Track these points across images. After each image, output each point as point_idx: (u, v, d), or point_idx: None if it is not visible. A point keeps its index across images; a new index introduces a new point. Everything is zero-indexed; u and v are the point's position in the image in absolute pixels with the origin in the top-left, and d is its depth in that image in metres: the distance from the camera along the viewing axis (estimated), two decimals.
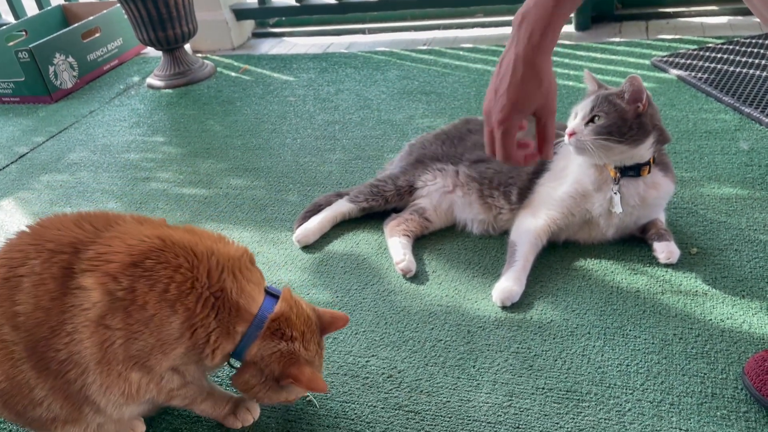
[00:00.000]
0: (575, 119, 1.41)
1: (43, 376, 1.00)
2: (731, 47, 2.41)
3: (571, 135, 1.38)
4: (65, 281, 0.99)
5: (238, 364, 1.12)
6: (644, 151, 1.39)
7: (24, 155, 2.45)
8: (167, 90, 2.89)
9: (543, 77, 0.98)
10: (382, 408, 1.21)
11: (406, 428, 1.16)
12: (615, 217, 1.45)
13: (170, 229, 1.09)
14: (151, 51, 3.39)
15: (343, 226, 1.74)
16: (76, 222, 1.07)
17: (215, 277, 1.03)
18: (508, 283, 1.41)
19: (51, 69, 2.89)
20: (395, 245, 1.58)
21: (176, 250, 1.02)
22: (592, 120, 1.37)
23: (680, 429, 1.09)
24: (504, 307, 1.40)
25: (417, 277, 1.54)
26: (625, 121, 1.35)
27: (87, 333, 0.98)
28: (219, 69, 3.04)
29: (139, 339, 0.99)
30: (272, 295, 1.11)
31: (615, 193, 1.42)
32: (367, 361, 1.32)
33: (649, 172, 1.42)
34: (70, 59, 2.99)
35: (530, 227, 1.49)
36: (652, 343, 1.27)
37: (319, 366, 1.13)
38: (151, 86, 2.94)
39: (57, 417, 1.05)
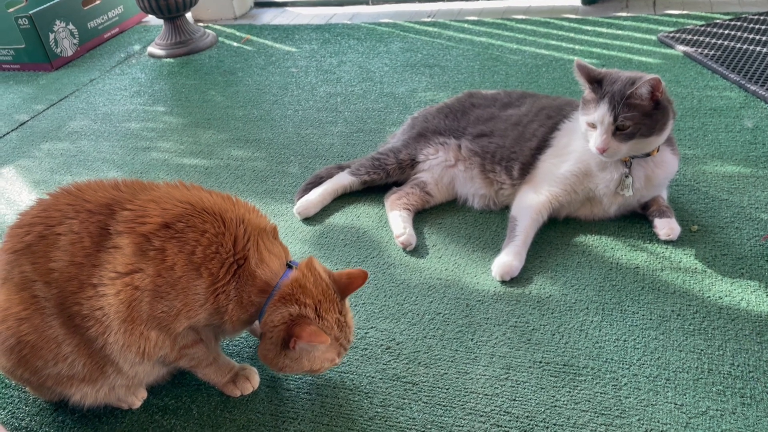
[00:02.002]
0: (596, 130, 1.36)
1: (71, 333, 1.03)
2: (739, 23, 2.38)
3: (603, 150, 1.35)
4: (101, 240, 1.02)
5: None
6: (667, 132, 1.39)
7: (24, 123, 2.44)
8: (168, 59, 2.86)
9: None
10: (381, 379, 1.22)
11: (404, 399, 1.18)
12: (619, 197, 1.45)
13: (204, 193, 1.10)
14: (152, 19, 3.35)
15: (343, 198, 1.74)
16: (114, 185, 1.10)
17: (241, 245, 1.05)
18: (508, 258, 1.41)
19: (51, 36, 2.86)
20: (396, 219, 1.58)
21: (204, 215, 1.05)
22: (618, 128, 1.34)
23: (675, 404, 1.11)
24: (503, 282, 1.41)
25: (417, 250, 1.54)
26: (649, 115, 1.34)
27: (113, 289, 1.00)
28: (221, 39, 3.01)
29: (165, 299, 1.02)
30: (293, 268, 1.13)
31: (627, 176, 1.42)
32: (366, 333, 1.32)
33: (658, 150, 1.42)
34: (71, 27, 2.95)
35: (531, 203, 1.49)
36: (650, 319, 1.27)
37: (344, 333, 1.12)
38: (152, 55, 2.92)
39: (75, 375, 1.08)
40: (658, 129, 1.36)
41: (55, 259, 1.02)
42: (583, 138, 1.42)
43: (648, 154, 1.42)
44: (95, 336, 1.03)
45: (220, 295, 1.04)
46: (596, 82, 1.39)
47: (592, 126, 1.38)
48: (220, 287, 1.04)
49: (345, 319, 1.12)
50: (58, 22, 2.88)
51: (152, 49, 2.94)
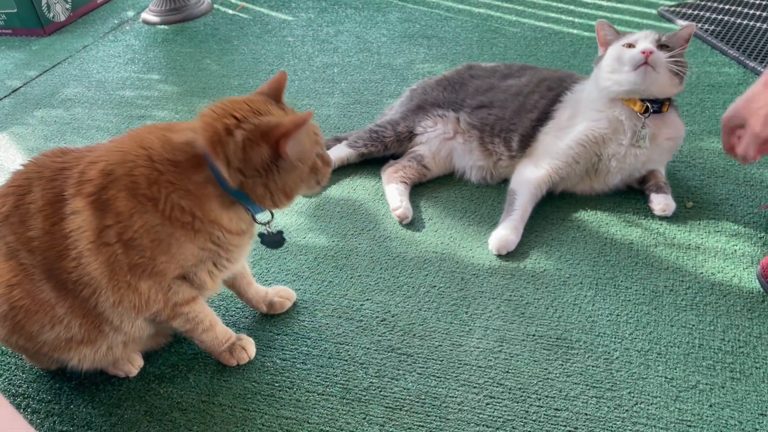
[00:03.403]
0: (639, 44, 1.41)
1: (62, 295, 1.04)
2: None
3: (649, 53, 1.38)
4: (60, 207, 1.01)
5: (266, 216, 1.11)
6: (683, 86, 1.46)
7: (17, 89, 2.41)
8: (163, 26, 2.82)
9: None
10: (376, 350, 1.24)
11: (399, 370, 1.19)
12: (629, 157, 1.46)
13: (132, 131, 1.07)
14: None
15: (340, 171, 1.73)
16: (71, 150, 1.09)
17: (157, 156, 1.00)
18: (506, 232, 1.42)
19: (44, 1, 2.81)
20: (392, 192, 1.58)
21: (125, 145, 1.02)
22: (662, 47, 1.41)
23: (666, 377, 1.12)
24: (499, 256, 1.41)
25: (413, 223, 1.54)
26: (683, 57, 1.42)
27: (92, 256, 1.00)
28: (215, 6, 2.97)
29: (133, 244, 1.00)
30: None
31: (643, 127, 1.44)
32: (361, 305, 1.33)
33: (668, 108, 1.46)
34: None
35: (531, 177, 1.49)
36: (643, 294, 1.28)
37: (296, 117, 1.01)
38: (146, 21, 2.88)
39: (73, 337, 1.08)
40: (683, 74, 1.43)
41: (31, 228, 1.02)
42: (618, 65, 1.43)
43: (660, 110, 1.44)
44: (88, 297, 1.03)
45: (172, 213, 1.00)
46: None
47: (630, 46, 1.42)
48: (165, 206, 0.99)
49: (294, 113, 1.05)
50: None
51: (146, 15, 2.89)
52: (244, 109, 1.00)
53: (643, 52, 1.38)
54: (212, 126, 0.98)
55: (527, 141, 1.54)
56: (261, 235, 1.20)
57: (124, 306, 1.05)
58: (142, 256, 1.01)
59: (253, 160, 0.98)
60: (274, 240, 1.21)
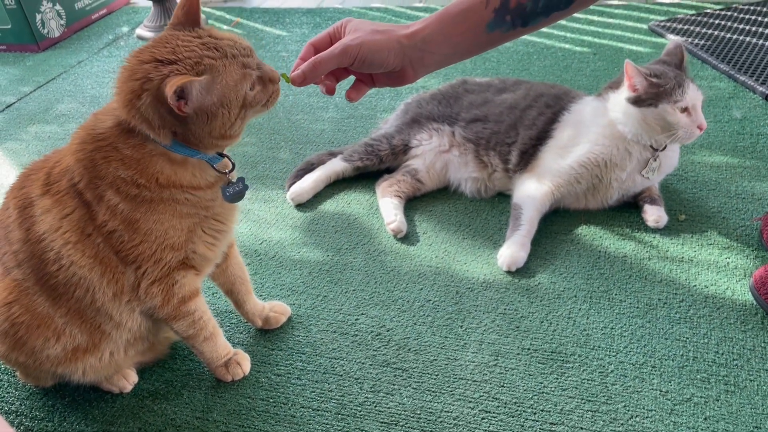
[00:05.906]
0: (697, 112, 1.39)
1: (57, 302, 1.04)
2: (729, 14, 2.39)
3: (703, 129, 1.40)
4: (30, 210, 1.02)
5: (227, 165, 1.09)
6: None
7: (11, 105, 2.41)
8: None
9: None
10: (371, 365, 1.23)
11: (394, 385, 1.19)
12: (629, 181, 1.48)
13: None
14: (140, 0, 3.32)
15: (334, 185, 1.74)
16: (37, 161, 1.09)
17: (90, 136, 1.00)
18: (515, 249, 1.41)
19: (38, 17, 2.82)
20: (387, 206, 1.59)
21: (78, 138, 1.01)
22: None
23: (660, 391, 1.12)
24: (494, 270, 1.42)
25: (407, 238, 1.54)
26: None
27: (77, 253, 1.00)
28: (210, 21, 2.98)
29: (110, 231, 0.99)
30: None
31: (655, 159, 1.46)
32: (356, 320, 1.33)
33: None
34: (58, 7, 2.91)
35: (536, 193, 1.50)
36: (637, 308, 1.29)
37: (220, 49, 0.94)
38: (140, 37, 2.89)
39: (79, 346, 1.08)
40: None
41: (13, 241, 1.04)
42: (662, 128, 1.41)
43: None
44: (83, 296, 1.03)
45: (119, 188, 0.97)
46: (654, 76, 1.41)
47: (684, 110, 1.39)
48: (113, 183, 0.97)
49: (212, 38, 0.96)
50: (45, 2, 2.84)
51: (141, 31, 2.90)
52: (147, 59, 0.91)
53: (701, 128, 1.39)
54: (123, 90, 0.93)
55: (527, 158, 1.55)
56: (222, 188, 1.09)
57: (123, 297, 1.04)
58: (120, 240, 1.00)
59: (167, 118, 0.92)
60: (235, 191, 1.11)
